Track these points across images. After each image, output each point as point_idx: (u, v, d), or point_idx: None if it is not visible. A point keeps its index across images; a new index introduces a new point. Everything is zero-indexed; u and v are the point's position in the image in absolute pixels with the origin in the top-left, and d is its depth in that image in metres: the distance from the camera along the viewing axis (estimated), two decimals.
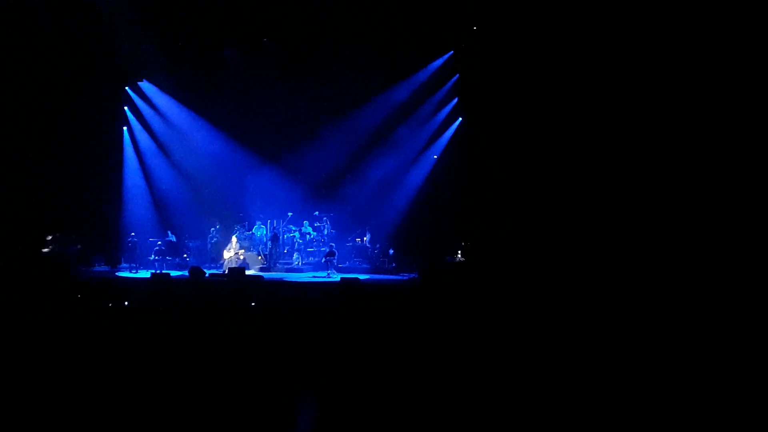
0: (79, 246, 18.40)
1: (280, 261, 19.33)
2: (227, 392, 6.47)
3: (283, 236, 20.06)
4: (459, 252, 17.44)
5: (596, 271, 11.75)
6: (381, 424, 5.57)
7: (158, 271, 17.78)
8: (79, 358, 7.63)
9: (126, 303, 12.16)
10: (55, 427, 5.49)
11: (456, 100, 19.85)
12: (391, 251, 18.90)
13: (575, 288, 10.98)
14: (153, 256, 19.03)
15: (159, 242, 19.49)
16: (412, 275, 16.69)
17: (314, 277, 17.07)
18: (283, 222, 20.37)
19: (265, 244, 19.66)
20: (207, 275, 16.13)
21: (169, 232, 20.15)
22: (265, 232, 20.17)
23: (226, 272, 16.61)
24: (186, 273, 16.75)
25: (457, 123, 19.88)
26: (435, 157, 20.03)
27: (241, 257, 18.62)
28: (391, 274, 17.98)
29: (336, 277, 16.46)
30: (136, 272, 18.34)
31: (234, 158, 20.89)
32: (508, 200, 16.67)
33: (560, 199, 14.88)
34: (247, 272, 17.14)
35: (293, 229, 20.09)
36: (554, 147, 15.25)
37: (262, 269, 18.60)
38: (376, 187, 20.07)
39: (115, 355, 7.80)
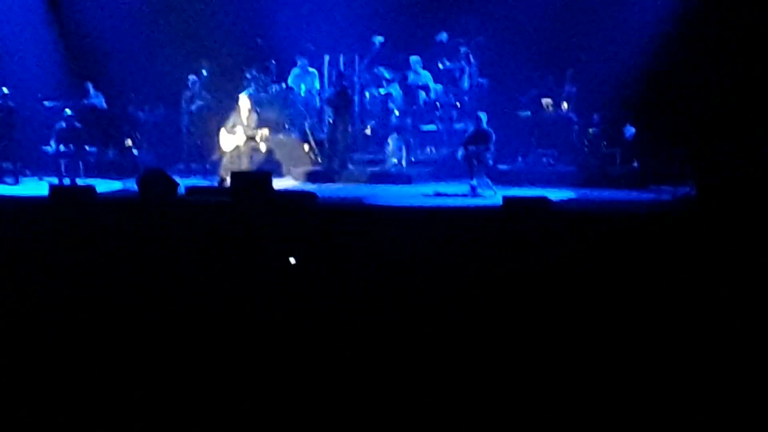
0: None
1: (357, 155, 19.89)
2: None
3: (363, 94, 20.51)
4: None
5: None
6: None
7: (66, 182, 18.18)
8: None
9: None
10: None
11: None
12: (629, 131, 19.03)
13: None
14: (53, 143, 19.44)
15: (67, 111, 19.91)
16: (682, 190, 17.09)
17: (438, 194, 17.68)
18: (360, 61, 20.59)
19: (320, 116, 20.31)
20: (182, 190, 16.33)
21: (89, 86, 20.51)
22: (317, 87, 20.64)
23: (227, 183, 17.11)
24: (132, 185, 16.87)
25: None
26: None
27: (263, 148, 19.19)
28: (630, 186, 18.38)
29: (493, 195, 16.84)
30: (16, 183, 19.18)
31: None
32: None
33: None
34: (278, 183, 17.31)
35: (386, 77, 20.29)
36: None
37: (311, 176, 19.36)
38: None
39: None
